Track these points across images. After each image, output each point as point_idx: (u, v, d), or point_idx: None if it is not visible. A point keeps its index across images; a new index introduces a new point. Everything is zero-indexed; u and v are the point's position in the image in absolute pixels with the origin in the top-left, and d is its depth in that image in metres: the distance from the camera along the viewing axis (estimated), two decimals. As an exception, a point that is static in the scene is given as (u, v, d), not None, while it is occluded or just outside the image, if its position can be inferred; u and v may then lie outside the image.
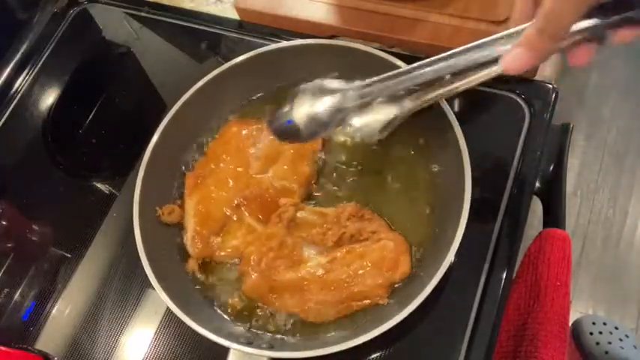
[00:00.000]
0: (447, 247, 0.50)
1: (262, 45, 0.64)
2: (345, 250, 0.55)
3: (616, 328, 1.16)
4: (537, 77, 0.64)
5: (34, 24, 0.81)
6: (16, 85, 0.78)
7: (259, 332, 0.55)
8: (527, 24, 0.39)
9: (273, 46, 0.63)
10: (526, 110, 0.62)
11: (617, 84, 1.57)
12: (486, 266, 0.55)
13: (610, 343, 1.13)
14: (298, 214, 0.58)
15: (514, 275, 0.59)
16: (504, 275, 0.55)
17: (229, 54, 0.71)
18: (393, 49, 0.65)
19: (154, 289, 0.53)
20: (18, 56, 0.79)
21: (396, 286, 0.54)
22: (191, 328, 0.51)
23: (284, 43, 0.63)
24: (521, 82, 0.63)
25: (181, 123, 0.61)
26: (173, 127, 0.61)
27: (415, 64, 0.45)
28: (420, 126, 0.59)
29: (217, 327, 0.52)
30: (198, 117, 0.63)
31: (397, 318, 0.48)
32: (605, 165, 1.49)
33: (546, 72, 0.64)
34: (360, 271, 0.54)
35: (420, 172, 0.59)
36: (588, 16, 0.37)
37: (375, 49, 0.60)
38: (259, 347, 0.51)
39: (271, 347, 0.52)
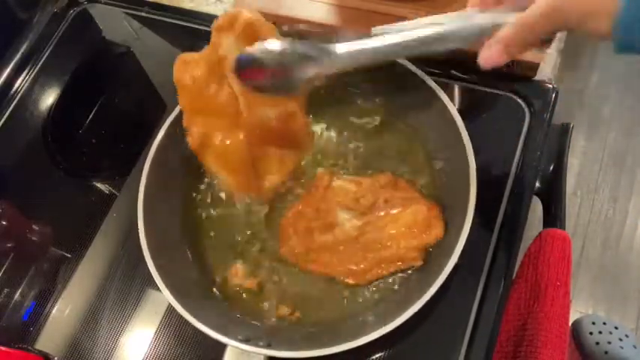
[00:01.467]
0: (451, 249, 0.50)
1: (262, 45, 0.63)
2: (378, 214, 0.56)
3: (616, 328, 1.16)
4: (537, 77, 0.64)
5: (34, 24, 0.81)
6: (16, 85, 0.77)
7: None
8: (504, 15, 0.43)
9: (273, 46, 0.62)
10: (526, 110, 0.62)
11: (617, 84, 1.57)
12: (486, 266, 0.55)
13: (610, 343, 1.13)
14: (334, 183, 0.59)
15: (514, 275, 0.59)
16: (504, 275, 0.55)
17: (229, 54, 0.71)
18: (393, 49, 0.65)
19: (154, 288, 0.53)
20: (18, 56, 0.79)
21: (430, 249, 0.55)
22: (191, 328, 0.51)
23: (284, 43, 0.62)
24: (521, 82, 0.63)
25: None
26: (178, 124, 0.61)
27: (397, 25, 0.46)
28: (422, 125, 0.59)
29: (217, 325, 0.52)
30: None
31: (400, 319, 0.48)
32: (605, 165, 1.49)
33: (546, 72, 0.64)
34: (394, 233, 0.55)
35: (424, 169, 0.60)
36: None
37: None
38: (257, 345, 0.51)
39: (269, 345, 0.52)
